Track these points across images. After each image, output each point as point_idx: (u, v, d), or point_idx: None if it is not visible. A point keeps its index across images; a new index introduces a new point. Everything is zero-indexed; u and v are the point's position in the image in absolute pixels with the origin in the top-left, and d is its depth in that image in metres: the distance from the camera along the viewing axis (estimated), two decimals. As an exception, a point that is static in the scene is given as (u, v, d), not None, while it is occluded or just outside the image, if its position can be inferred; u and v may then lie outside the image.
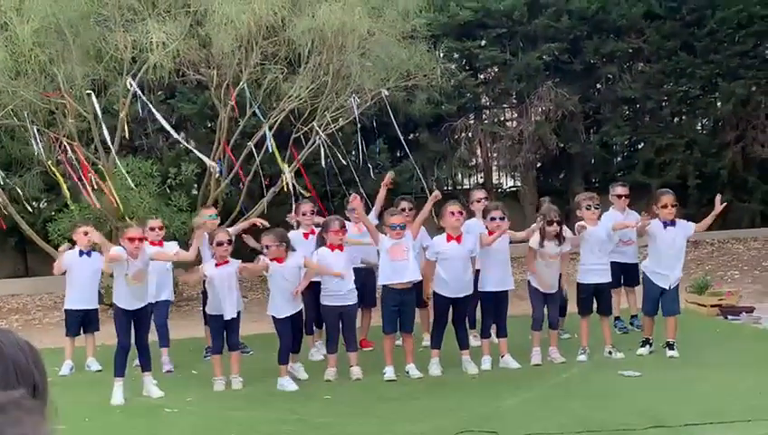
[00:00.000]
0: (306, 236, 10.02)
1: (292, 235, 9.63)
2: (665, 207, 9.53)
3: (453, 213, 9.17)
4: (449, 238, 9.17)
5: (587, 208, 9.69)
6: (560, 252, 9.47)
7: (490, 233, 9.32)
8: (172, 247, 10.28)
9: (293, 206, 11.12)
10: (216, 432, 7.52)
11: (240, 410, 8.16)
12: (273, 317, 9.16)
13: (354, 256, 9.70)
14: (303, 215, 10.35)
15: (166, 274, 10.28)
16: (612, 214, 10.69)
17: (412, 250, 9.20)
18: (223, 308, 8.99)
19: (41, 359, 1.96)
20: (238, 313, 9.50)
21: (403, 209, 10.04)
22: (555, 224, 9.37)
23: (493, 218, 9.36)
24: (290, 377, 9.05)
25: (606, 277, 9.74)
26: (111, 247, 8.82)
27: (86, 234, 10.14)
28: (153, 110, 12.46)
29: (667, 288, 9.48)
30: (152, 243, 9.81)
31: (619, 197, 10.89)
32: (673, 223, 9.55)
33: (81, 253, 10.17)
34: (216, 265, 9.07)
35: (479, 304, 9.58)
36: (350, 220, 10.18)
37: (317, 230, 9.79)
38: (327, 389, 8.83)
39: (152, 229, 10.08)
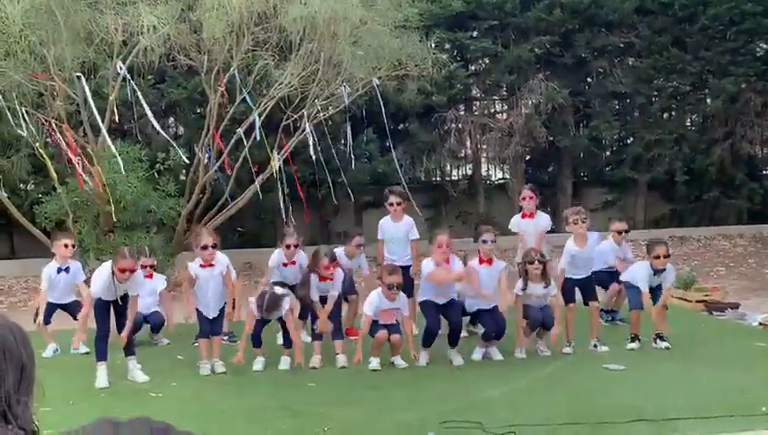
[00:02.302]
0: (286, 265, 9.99)
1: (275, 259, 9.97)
2: (657, 257, 9.52)
3: (440, 246, 9.07)
4: (437, 264, 9.12)
5: (574, 223, 9.65)
6: (547, 293, 9.36)
7: (480, 260, 9.28)
8: (159, 283, 10.57)
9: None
10: (200, 418, 7.51)
11: (224, 395, 8.16)
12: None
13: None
14: (287, 248, 10.18)
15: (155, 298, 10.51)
16: (609, 244, 10.80)
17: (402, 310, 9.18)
18: (206, 308, 9.09)
19: (29, 341, 1.96)
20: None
21: (391, 204, 10.15)
22: (537, 262, 9.26)
23: (484, 241, 9.31)
24: (263, 359, 9.18)
25: (588, 273, 9.82)
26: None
27: (66, 247, 10.10)
28: (139, 95, 12.40)
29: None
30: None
31: (619, 232, 10.98)
32: (663, 270, 9.58)
33: (59, 270, 10.12)
34: (201, 265, 9.09)
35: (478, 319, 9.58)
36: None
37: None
38: (312, 376, 8.83)
39: (143, 267, 10.04)
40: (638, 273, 9.65)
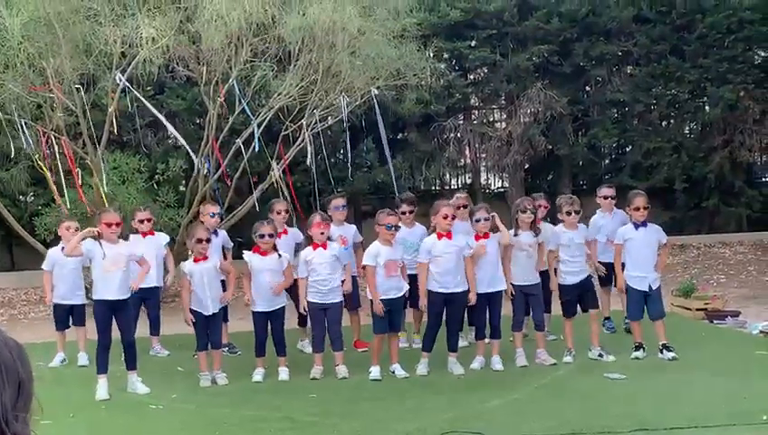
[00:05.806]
0: (279, 235, 9.99)
1: None
2: (637, 209, 9.66)
3: (446, 216, 9.17)
4: (440, 236, 9.18)
5: (567, 214, 9.73)
6: (536, 242, 9.52)
7: (477, 237, 9.34)
8: (164, 239, 10.49)
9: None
10: (201, 429, 7.50)
11: (225, 407, 8.15)
12: (252, 311, 9.34)
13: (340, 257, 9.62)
14: (278, 214, 10.35)
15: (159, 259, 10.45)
16: (600, 216, 10.81)
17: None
18: (203, 304, 9.05)
19: (27, 357, 1.95)
20: (225, 310, 9.57)
21: (404, 212, 10.09)
22: (528, 212, 9.45)
23: (478, 220, 9.38)
24: (263, 371, 9.20)
25: (585, 273, 9.76)
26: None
27: (68, 229, 10.13)
28: (146, 103, 12.42)
29: (647, 290, 9.53)
30: (143, 234, 10.04)
31: (605, 198, 10.97)
32: (644, 224, 9.67)
33: (63, 248, 10.20)
34: (195, 260, 9.11)
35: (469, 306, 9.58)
36: (331, 220, 10.16)
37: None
38: (313, 387, 8.82)
39: (141, 222, 10.23)
40: (620, 231, 9.77)
